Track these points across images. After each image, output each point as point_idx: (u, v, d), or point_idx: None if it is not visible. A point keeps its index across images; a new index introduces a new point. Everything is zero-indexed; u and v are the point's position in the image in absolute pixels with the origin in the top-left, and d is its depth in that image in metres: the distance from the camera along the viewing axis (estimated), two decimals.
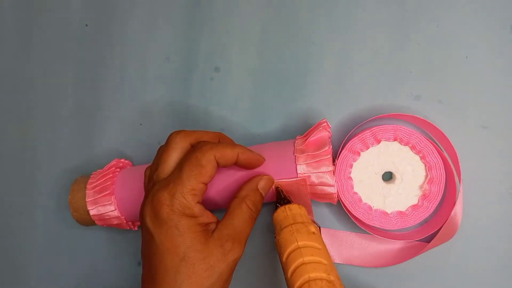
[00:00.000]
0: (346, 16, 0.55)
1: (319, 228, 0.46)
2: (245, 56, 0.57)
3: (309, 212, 0.49)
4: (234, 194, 0.46)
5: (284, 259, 0.41)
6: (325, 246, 0.43)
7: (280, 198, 0.48)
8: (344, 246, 0.53)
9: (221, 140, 0.47)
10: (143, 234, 0.43)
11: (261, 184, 0.46)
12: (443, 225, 0.49)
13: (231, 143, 0.47)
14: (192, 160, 0.42)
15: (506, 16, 0.52)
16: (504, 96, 0.52)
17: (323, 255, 0.41)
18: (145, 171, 0.48)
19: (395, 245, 0.53)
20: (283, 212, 0.45)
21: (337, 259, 0.53)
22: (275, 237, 0.45)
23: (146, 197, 0.44)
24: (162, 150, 0.45)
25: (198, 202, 0.42)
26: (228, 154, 0.44)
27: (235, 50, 0.57)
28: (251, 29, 0.56)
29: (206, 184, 0.43)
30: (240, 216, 0.44)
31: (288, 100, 0.56)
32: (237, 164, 0.45)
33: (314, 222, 0.47)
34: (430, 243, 0.50)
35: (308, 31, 0.55)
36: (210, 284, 0.41)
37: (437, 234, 0.49)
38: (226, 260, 0.41)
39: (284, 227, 0.44)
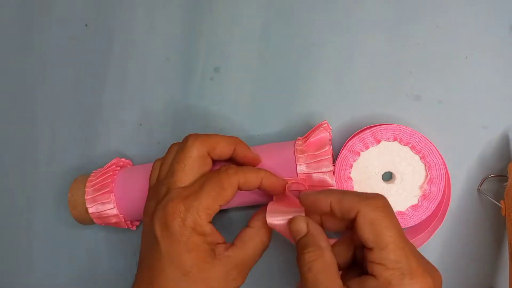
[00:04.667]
0: (346, 17, 0.55)
1: None
2: (245, 56, 0.57)
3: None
4: (249, 223, 0.45)
5: None
6: None
7: None
8: None
9: (237, 145, 0.46)
10: (147, 236, 0.43)
11: None
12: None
13: (256, 168, 0.45)
14: (215, 181, 0.42)
15: (505, 17, 0.52)
16: (504, 96, 0.52)
17: None
18: (155, 164, 0.47)
19: None
20: None
21: None
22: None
23: (156, 196, 0.43)
24: (179, 156, 0.44)
25: (209, 222, 0.41)
26: (253, 179, 0.43)
27: (235, 51, 0.57)
28: (251, 30, 0.56)
29: (221, 206, 0.42)
30: (253, 249, 0.43)
31: (288, 100, 0.56)
32: (260, 189, 0.45)
33: None
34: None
35: (308, 32, 0.55)
36: None
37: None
38: (227, 287, 0.41)
39: None
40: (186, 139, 0.44)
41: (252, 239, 0.43)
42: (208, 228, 0.41)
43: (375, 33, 0.54)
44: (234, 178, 0.42)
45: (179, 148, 0.44)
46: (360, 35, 0.55)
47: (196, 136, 0.44)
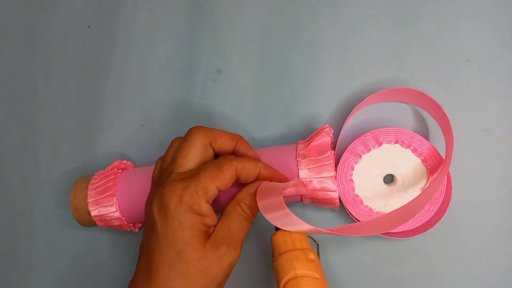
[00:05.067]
0: (347, 19, 0.55)
1: (318, 254, 0.44)
2: (246, 58, 0.57)
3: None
4: (232, 196, 0.46)
5: (281, 287, 0.41)
6: (323, 275, 0.42)
7: None
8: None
9: (239, 142, 0.47)
10: (146, 224, 0.43)
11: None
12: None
13: (254, 158, 0.46)
14: (214, 163, 0.42)
15: (507, 20, 0.52)
16: (505, 99, 0.52)
17: (321, 286, 0.40)
18: (157, 161, 0.48)
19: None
20: (282, 236, 0.44)
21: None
22: (272, 260, 0.44)
23: (158, 186, 0.44)
24: (182, 145, 0.44)
25: (207, 202, 0.42)
26: (251, 167, 0.44)
27: (237, 52, 0.57)
28: (253, 32, 0.57)
29: (219, 190, 0.42)
30: (235, 219, 0.43)
31: (290, 102, 0.56)
32: (258, 179, 0.45)
33: (313, 239, 0.47)
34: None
35: (309, 34, 0.56)
36: (203, 285, 0.41)
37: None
38: (221, 263, 0.41)
39: (283, 253, 0.42)
40: (190, 130, 0.45)
41: (233, 209, 0.44)
42: (205, 207, 0.41)
43: (377, 35, 0.54)
44: (232, 163, 0.43)
45: (182, 139, 0.45)
46: (361, 38, 0.55)
47: (199, 127, 0.45)
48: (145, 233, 0.44)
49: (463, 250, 0.52)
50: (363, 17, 0.55)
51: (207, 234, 0.42)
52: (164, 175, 0.44)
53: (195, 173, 0.42)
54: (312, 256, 0.42)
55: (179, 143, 0.45)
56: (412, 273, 0.53)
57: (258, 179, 0.45)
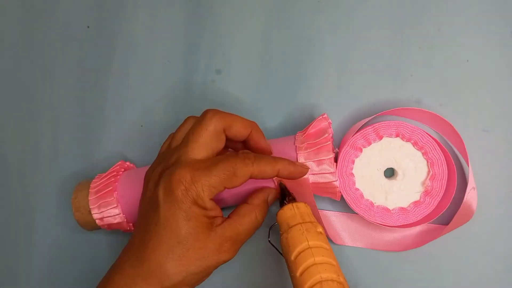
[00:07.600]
0: (347, 19, 0.55)
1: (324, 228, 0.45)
2: (246, 58, 0.57)
3: (314, 209, 0.48)
4: (246, 199, 0.46)
5: (292, 258, 0.41)
6: (331, 247, 0.43)
7: (285, 195, 0.47)
8: (363, 232, 0.53)
9: (254, 130, 0.46)
10: (147, 201, 0.43)
11: (270, 197, 0.47)
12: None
13: (273, 160, 0.44)
14: (230, 164, 0.41)
15: (506, 21, 0.53)
16: (505, 99, 0.53)
17: (332, 256, 0.41)
18: (168, 137, 0.48)
19: (414, 230, 0.52)
20: (290, 210, 0.45)
21: (359, 243, 0.52)
22: (280, 234, 0.44)
23: (163, 160, 0.44)
24: (195, 128, 0.43)
25: (211, 199, 0.42)
26: (268, 171, 0.43)
27: (236, 53, 0.57)
28: (252, 32, 0.57)
29: (226, 189, 0.42)
30: (248, 224, 0.44)
31: (289, 102, 0.56)
32: (277, 177, 0.45)
33: None
34: (447, 227, 0.49)
35: (309, 34, 0.56)
36: (196, 272, 0.41)
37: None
38: (218, 258, 0.42)
39: (293, 226, 0.43)
40: (205, 112, 0.44)
41: (248, 214, 0.44)
42: (209, 204, 0.41)
43: (376, 36, 0.55)
44: (249, 169, 0.42)
45: (197, 120, 0.44)
46: (361, 39, 0.55)
47: (215, 111, 0.44)
48: (144, 211, 0.44)
49: (462, 250, 0.52)
50: (363, 17, 0.55)
51: (210, 225, 0.42)
52: (173, 156, 0.43)
53: (207, 167, 0.41)
54: (320, 229, 0.43)
55: (193, 125, 0.44)
56: (412, 273, 0.52)
57: (277, 176, 0.45)
